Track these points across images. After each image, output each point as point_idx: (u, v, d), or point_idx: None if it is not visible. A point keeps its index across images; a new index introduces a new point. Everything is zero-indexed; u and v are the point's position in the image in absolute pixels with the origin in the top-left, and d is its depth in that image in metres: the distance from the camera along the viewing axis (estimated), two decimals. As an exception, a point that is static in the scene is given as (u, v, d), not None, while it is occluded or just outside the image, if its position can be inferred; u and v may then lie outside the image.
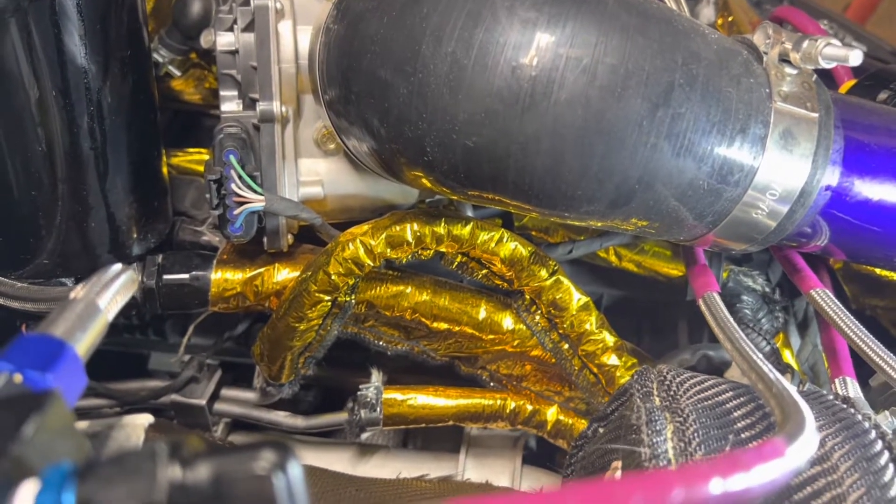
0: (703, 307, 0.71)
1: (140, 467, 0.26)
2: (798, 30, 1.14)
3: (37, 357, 0.36)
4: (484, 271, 0.85)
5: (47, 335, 0.38)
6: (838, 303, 0.72)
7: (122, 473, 0.26)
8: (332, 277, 0.78)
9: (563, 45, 0.57)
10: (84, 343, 0.40)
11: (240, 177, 0.74)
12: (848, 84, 0.99)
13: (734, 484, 0.28)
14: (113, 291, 0.44)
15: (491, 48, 0.58)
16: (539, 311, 0.85)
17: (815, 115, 0.64)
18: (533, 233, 0.97)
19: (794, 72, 0.64)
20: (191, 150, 1.02)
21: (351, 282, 0.80)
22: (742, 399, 0.59)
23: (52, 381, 0.35)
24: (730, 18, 1.14)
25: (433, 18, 0.60)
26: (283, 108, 0.77)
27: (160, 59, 0.95)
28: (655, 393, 0.60)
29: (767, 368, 0.54)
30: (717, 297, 0.70)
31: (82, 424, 0.46)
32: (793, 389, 0.49)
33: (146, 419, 0.47)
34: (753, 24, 1.14)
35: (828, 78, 1.04)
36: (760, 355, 0.57)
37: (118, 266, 0.47)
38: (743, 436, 0.55)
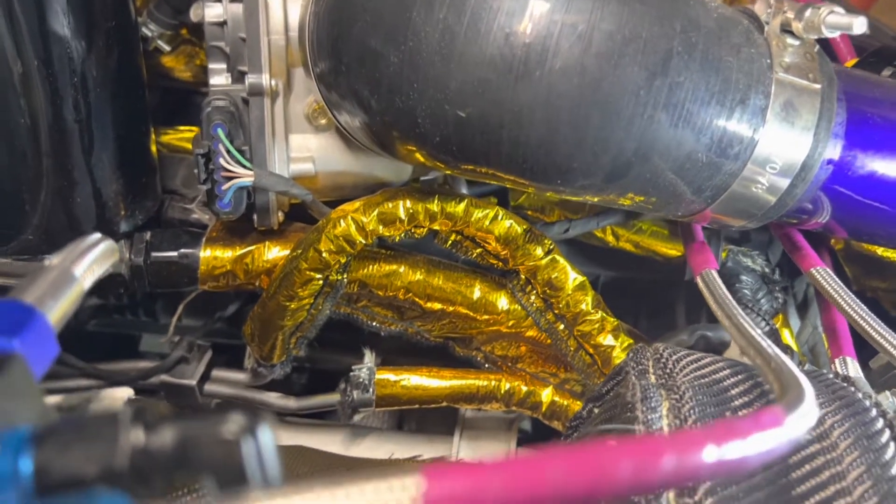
0: (701, 285, 0.69)
1: (101, 432, 0.25)
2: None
3: (4, 322, 0.35)
4: (478, 250, 0.83)
5: (17, 301, 0.36)
6: (839, 281, 0.70)
7: (82, 438, 0.25)
8: (324, 255, 0.77)
9: (558, 11, 0.56)
10: (56, 311, 0.38)
11: (228, 151, 0.72)
12: (851, 62, 0.98)
13: (729, 452, 0.27)
14: (90, 260, 0.43)
15: (483, 14, 0.56)
16: (534, 291, 0.83)
17: (818, 86, 0.62)
18: (529, 212, 0.95)
19: (797, 42, 0.63)
20: (181, 127, 1.01)
21: (342, 260, 0.78)
22: (739, 377, 0.57)
23: (18, 346, 0.34)
24: (731, -5, 1.12)
25: (424, -16, 0.58)
26: (273, 82, 0.75)
27: (149, 34, 0.93)
28: (651, 370, 0.59)
29: (766, 344, 0.52)
30: (716, 275, 0.69)
31: (59, 398, 0.45)
32: (792, 364, 0.47)
33: (126, 392, 0.45)
34: None
35: (830, 55, 1.02)
36: (759, 331, 0.56)
37: (97, 235, 0.45)
38: (741, 413, 0.53)
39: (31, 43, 0.67)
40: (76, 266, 0.42)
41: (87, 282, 0.43)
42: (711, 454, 0.26)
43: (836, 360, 0.71)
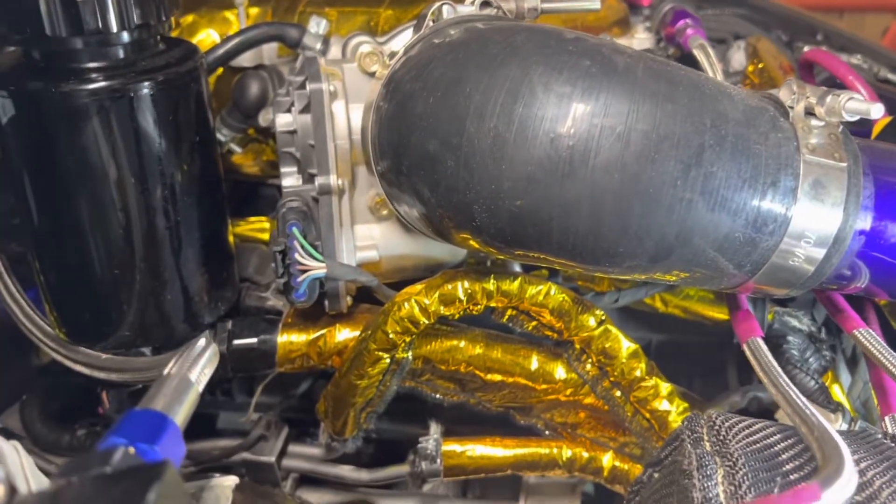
0: (747, 353, 0.73)
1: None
2: (828, 71, 1.17)
3: (144, 430, 0.41)
4: (534, 323, 0.89)
5: (151, 410, 0.43)
6: (882, 342, 0.73)
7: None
8: (390, 336, 0.83)
9: (598, 116, 0.62)
10: (181, 414, 0.45)
11: (302, 247, 0.79)
12: (883, 122, 1.01)
13: (772, 527, 0.31)
14: (201, 365, 0.49)
15: (530, 122, 0.63)
16: (589, 360, 0.88)
17: (844, 164, 0.66)
18: (579, 283, 1.00)
19: (821, 124, 0.68)
20: (252, 218, 1.09)
21: (408, 339, 0.84)
22: (790, 441, 0.61)
23: (159, 452, 0.40)
24: (760, 65, 1.17)
25: (476, 97, 0.65)
26: (340, 181, 0.83)
27: (222, 138, 1.02)
28: (706, 438, 0.63)
29: (810, 412, 0.56)
30: (761, 342, 0.73)
31: (176, 487, 0.51)
32: (834, 432, 0.51)
33: (233, 480, 0.51)
34: (784, 68, 1.17)
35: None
36: (804, 398, 0.60)
37: (202, 341, 0.52)
38: (791, 478, 0.57)
39: (127, 162, 0.76)
40: (192, 372, 0.49)
41: (202, 384, 0.50)
42: (755, 530, 0.31)
43: (887, 418, 0.74)
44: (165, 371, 0.48)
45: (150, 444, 0.40)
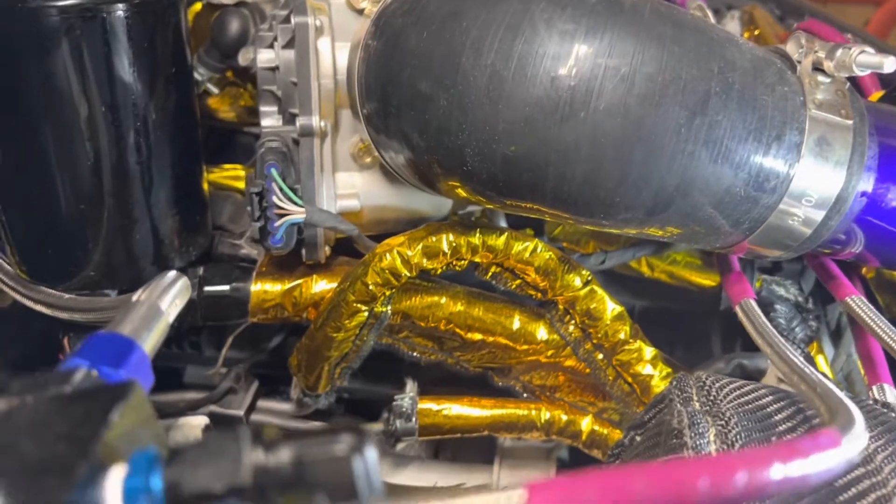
0: (740, 314, 0.71)
1: (225, 450, 0.28)
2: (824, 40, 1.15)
3: (108, 355, 0.38)
4: (518, 281, 0.86)
5: (117, 334, 0.39)
6: (874, 309, 0.72)
7: (207, 456, 0.28)
8: (370, 287, 0.80)
9: (602, 56, 0.59)
10: (150, 342, 0.41)
11: (281, 189, 0.76)
12: (875, 95, 1.00)
13: (793, 470, 0.29)
14: (172, 295, 0.46)
15: (530, 59, 0.59)
16: (573, 321, 0.86)
17: (850, 122, 0.64)
18: (565, 244, 0.98)
19: (828, 80, 0.65)
20: (227, 166, 1.04)
21: (388, 292, 0.81)
22: (782, 403, 0.59)
23: (124, 376, 0.37)
24: (756, 32, 1.15)
25: (473, 32, 0.61)
26: (322, 123, 0.79)
27: (199, 77, 0.98)
28: (695, 398, 0.61)
29: (810, 370, 0.54)
30: (754, 304, 0.71)
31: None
32: (837, 389, 0.49)
33: (202, 420, 0.48)
34: (780, 38, 1.15)
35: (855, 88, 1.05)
36: (801, 357, 0.58)
37: (173, 272, 0.49)
38: (785, 438, 0.55)
39: (97, 90, 0.71)
40: (162, 301, 0.45)
41: (172, 315, 0.46)
42: (778, 471, 0.28)
43: (874, 387, 0.72)
44: (134, 298, 0.45)
45: (114, 367, 0.37)
